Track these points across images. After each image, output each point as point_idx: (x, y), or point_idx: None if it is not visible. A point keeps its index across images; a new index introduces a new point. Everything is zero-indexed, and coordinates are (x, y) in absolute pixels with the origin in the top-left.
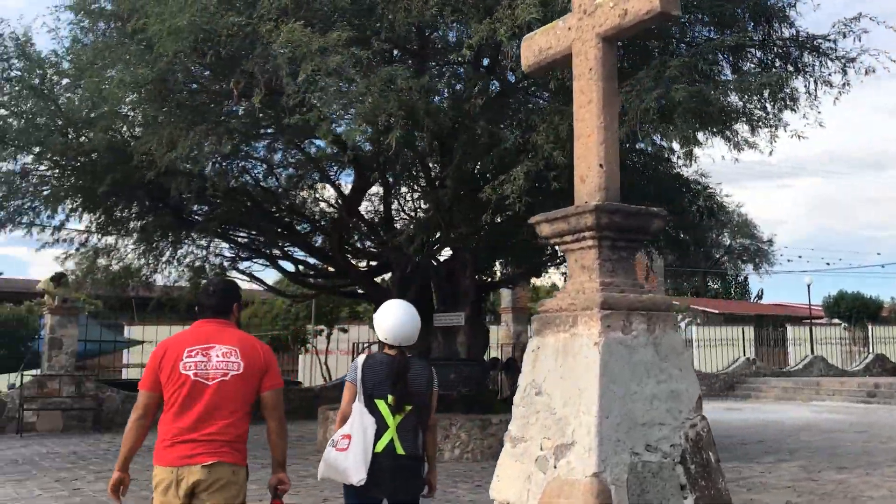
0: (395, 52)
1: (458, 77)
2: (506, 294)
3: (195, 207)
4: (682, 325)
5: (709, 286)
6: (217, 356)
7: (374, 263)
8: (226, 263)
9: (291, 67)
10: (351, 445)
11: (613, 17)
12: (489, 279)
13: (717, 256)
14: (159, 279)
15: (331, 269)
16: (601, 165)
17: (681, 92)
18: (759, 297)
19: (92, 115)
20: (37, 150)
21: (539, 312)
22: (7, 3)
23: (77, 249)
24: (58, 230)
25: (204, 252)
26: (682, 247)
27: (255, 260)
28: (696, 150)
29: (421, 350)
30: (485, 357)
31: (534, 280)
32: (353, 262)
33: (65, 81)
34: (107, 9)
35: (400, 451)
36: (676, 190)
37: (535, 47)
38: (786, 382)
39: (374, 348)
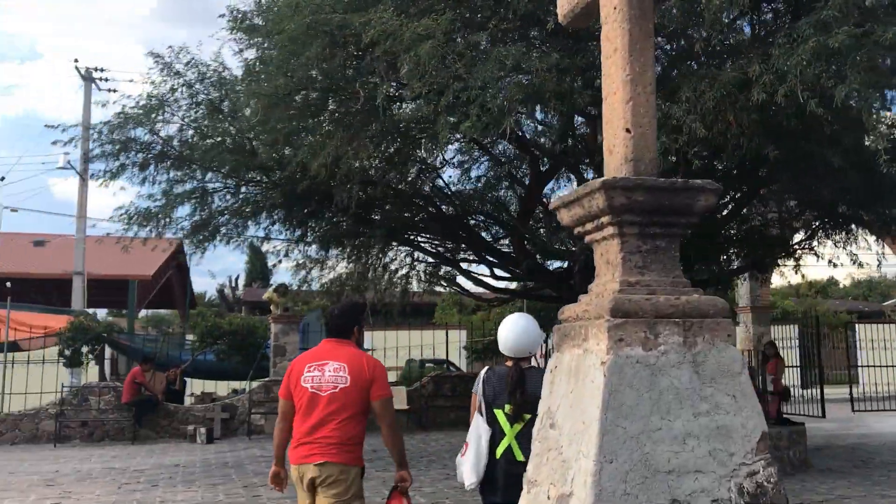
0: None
1: (589, 51)
2: (744, 291)
3: (372, 215)
4: None
5: None
6: (329, 371)
7: (572, 264)
8: (429, 270)
9: (411, 61)
10: (467, 452)
11: None
12: (716, 274)
13: None
14: (370, 286)
15: (518, 271)
16: (628, 130)
17: (840, 36)
18: None
19: (254, 129)
20: (223, 168)
21: (559, 321)
22: (188, 36)
23: (280, 261)
24: (261, 243)
25: (409, 259)
26: None
27: (447, 266)
28: None
29: None
30: None
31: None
32: (545, 263)
33: (241, 99)
34: (256, 24)
35: (520, 457)
36: (875, 158)
37: None
38: None
39: None
